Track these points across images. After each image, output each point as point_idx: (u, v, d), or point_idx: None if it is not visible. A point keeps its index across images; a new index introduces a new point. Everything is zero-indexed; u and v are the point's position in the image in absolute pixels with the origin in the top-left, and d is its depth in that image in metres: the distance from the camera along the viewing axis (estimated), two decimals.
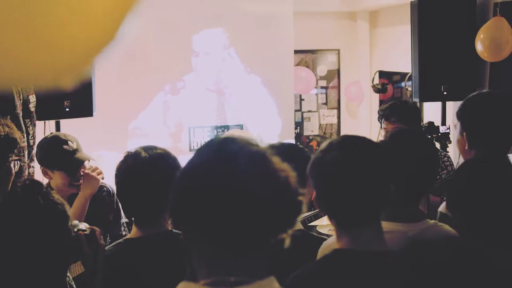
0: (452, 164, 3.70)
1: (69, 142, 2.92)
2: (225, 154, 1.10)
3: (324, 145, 1.61)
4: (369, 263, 1.50)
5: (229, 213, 1.05)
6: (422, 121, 4.06)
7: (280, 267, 1.21)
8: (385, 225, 1.81)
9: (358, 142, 1.60)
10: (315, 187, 1.58)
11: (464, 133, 2.28)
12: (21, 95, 3.39)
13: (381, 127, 3.70)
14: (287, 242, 1.11)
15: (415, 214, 1.89)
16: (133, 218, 2.03)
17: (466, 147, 2.26)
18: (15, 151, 2.26)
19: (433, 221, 1.91)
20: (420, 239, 1.77)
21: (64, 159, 2.90)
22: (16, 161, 2.30)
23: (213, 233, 1.07)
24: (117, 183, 2.04)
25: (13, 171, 2.24)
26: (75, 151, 2.93)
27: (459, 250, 1.71)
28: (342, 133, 6.59)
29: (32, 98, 3.53)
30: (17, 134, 2.31)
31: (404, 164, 1.81)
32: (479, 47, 3.88)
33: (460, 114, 2.33)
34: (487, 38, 3.84)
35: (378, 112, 3.75)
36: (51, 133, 3.12)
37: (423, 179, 1.90)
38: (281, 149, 2.16)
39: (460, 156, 2.52)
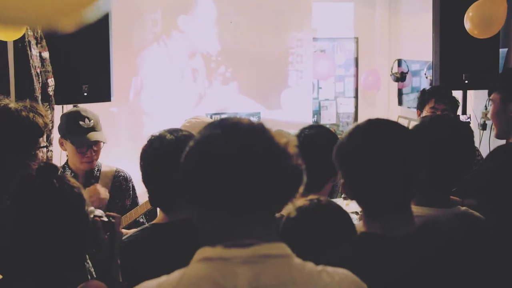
0: (481, 154, 3.65)
1: (87, 119, 2.98)
2: (227, 126, 1.19)
3: (349, 129, 1.56)
4: (396, 247, 1.46)
5: (234, 179, 1.12)
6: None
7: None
8: (416, 209, 1.76)
9: (385, 127, 1.55)
10: (342, 173, 1.54)
11: None
12: (40, 78, 3.39)
13: (420, 112, 3.68)
14: (293, 212, 1.23)
15: (446, 200, 1.85)
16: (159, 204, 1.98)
17: None
18: (42, 138, 2.23)
19: (464, 207, 1.87)
20: (444, 223, 1.73)
21: (75, 131, 2.96)
22: (42, 148, 2.27)
23: (220, 199, 1.14)
24: (142, 167, 1.97)
25: (37, 158, 2.20)
26: (90, 129, 2.98)
27: (485, 235, 1.67)
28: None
29: (51, 82, 3.54)
30: (42, 119, 2.26)
31: (438, 148, 1.77)
32: (467, 25, 3.80)
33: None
34: (476, 15, 3.77)
35: (423, 94, 3.72)
36: (76, 106, 3.16)
37: (457, 165, 1.85)
38: (313, 131, 2.14)
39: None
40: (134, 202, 3.22)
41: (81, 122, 2.96)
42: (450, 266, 1.47)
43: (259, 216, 1.16)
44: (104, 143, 3.06)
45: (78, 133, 2.97)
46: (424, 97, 3.70)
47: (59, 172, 3.04)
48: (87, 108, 3.13)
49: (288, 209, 1.60)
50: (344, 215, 1.68)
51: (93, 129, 3.00)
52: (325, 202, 1.63)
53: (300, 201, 1.64)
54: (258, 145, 1.15)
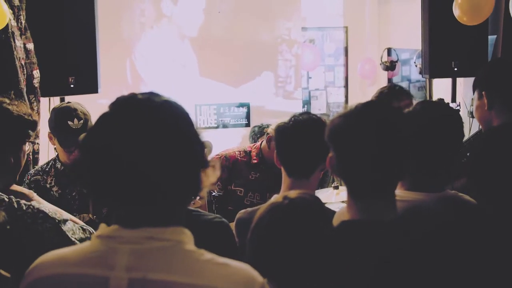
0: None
1: (76, 119, 2.87)
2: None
3: (344, 110, 1.55)
4: (376, 233, 1.46)
5: (114, 164, 1.11)
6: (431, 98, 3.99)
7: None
8: (405, 194, 1.76)
9: (380, 109, 1.54)
10: (332, 152, 1.53)
11: (483, 92, 2.22)
12: (25, 70, 3.34)
13: None
14: (203, 201, 1.16)
15: (435, 185, 1.84)
16: None
17: (486, 108, 2.19)
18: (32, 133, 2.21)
19: (453, 191, 1.87)
20: (431, 208, 1.73)
21: (63, 131, 2.87)
22: (30, 143, 2.24)
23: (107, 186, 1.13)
24: None
25: (25, 154, 2.19)
26: (78, 130, 2.85)
27: (473, 219, 1.66)
28: None
29: (36, 74, 3.49)
30: (36, 116, 2.24)
31: (428, 132, 1.77)
32: (456, 12, 3.80)
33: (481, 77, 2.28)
34: (465, 2, 3.77)
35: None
36: (68, 103, 3.00)
37: (446, 149, 1.84)
38: (302, 117, 2.10)
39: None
40: None
41: (69, 122, 2.85)
42: (433, 250, 1.46)
43: (159, 201, 1.13)
44: None
45: (65, 133, 2.86)
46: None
47: (49, 164, 3.00)
48: (79, 102, 3.03)
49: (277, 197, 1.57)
50: (316, 218, 1.57)
51: (81, 129, 2.85)
52: (298, 201, 1.49)
53: (277, 197, 1.60)
54: (142, 125, 1.18)
